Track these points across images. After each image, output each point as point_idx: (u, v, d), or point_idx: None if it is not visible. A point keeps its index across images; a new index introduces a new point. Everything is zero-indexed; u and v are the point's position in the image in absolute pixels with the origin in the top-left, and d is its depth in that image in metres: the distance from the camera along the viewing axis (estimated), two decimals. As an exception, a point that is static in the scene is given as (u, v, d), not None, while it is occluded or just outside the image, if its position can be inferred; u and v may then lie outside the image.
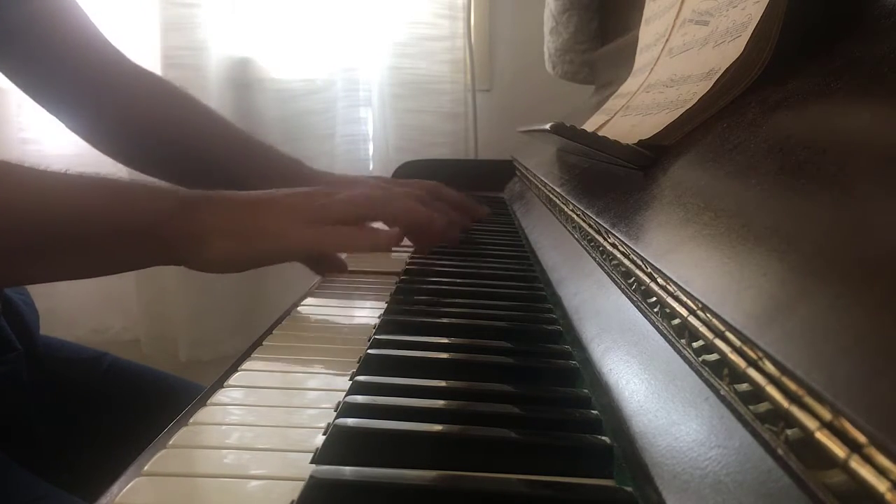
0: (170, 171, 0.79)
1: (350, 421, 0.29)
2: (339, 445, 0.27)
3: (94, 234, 0.48)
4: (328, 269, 0.61)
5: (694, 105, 0.39)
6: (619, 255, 0.36)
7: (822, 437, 0.16)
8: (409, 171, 1.17)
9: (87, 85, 0.72)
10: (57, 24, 0.69)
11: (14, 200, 0.46)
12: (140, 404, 0.70)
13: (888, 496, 0.13)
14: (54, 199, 0.48)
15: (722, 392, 0.22)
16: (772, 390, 0.18)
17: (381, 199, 0.57)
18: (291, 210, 0.52)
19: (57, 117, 0.75)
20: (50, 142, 1.37)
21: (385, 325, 0.43)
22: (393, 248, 0.56)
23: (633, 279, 0.33)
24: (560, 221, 0.57)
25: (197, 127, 0.77)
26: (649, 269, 0.31)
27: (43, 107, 0.74)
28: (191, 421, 0.30)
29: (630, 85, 0.61)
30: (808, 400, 0.16)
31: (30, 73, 0.70)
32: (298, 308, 0.49)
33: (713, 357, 0.23)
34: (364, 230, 0.55)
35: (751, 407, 0.20)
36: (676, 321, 0.26)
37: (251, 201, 0.53)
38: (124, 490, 0.25)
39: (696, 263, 0.27)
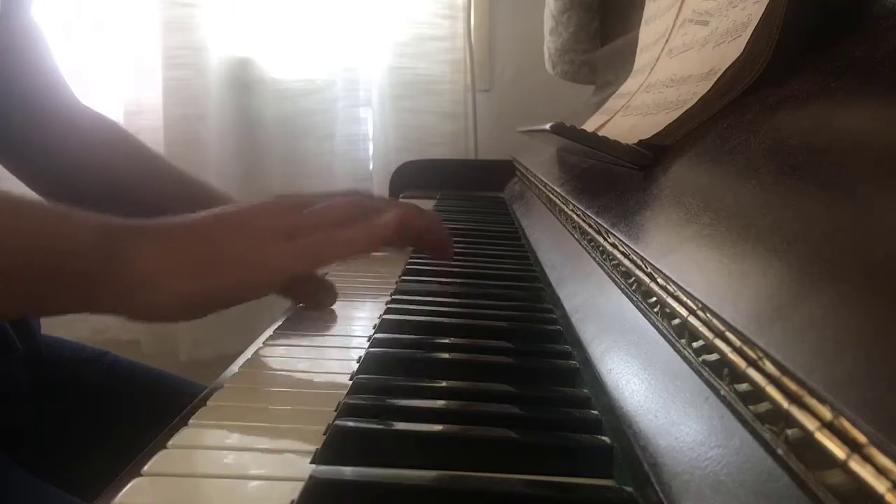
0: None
1: (350, 421, 0.29)
2: (339, 445, 0.27)
3: (12, 263, 0.38)
4: (316, 300, 0.48)
5: (694, 105, 0.39)
6: (619, 255, 0.36)
7: (822, 437, 0.16)
8: (409, 170, 1.17)
9: (27, 122, 0.67)
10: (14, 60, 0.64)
11: None
12: (140, 404, 0.70)
13: (888, 496, 0.13)
14: None
15: (722, 392, 0.22)
16: (772, 390, 0.18)
17: (366, 206, 0.48)
18: (256, 229, 0.42)
19: None
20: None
21: (385, 324, 0.43)
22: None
23: (633, 279, 0.33)
24: (560, 221, 0.57)
25: (143, 178, 0.71)
26: (649, 269, 0.31)
27: None
28: (191, 421, 0.30)
29: (630, 85, 0.61)
30: (808, 400, 0.16)
31: None
32: (300, 305, 0.49)
33: (713, 357, 0.23)
34: (358, 227, 0.45)
35: (751, 407, 0.20)
36: (676, 321, 0.26)
37: (203, 227, 0.42)
38: (124, 490, 0.25)
39: (696, 263, 0.27)
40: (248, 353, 0.40)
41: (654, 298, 0.29)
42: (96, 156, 0.70)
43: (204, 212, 0.43)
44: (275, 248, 0.42)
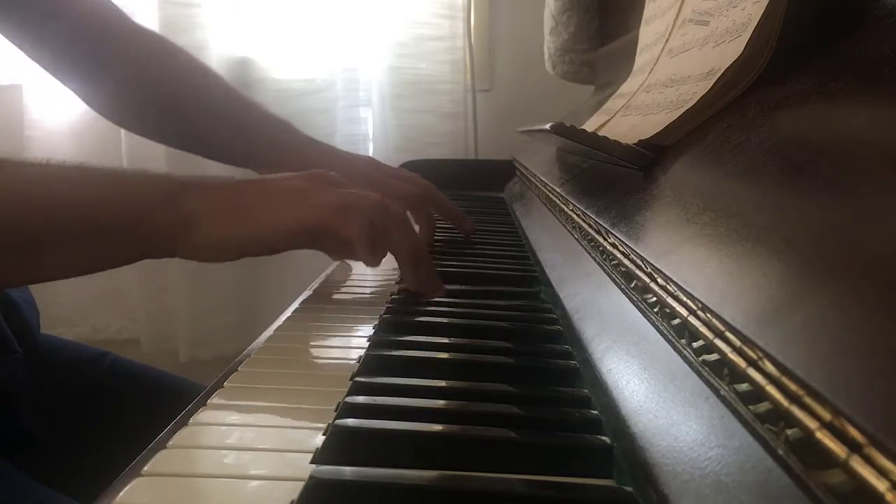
0: (164, 131, 0.78)
1: (350, 421, 0.29)
2: (339, 445, 0.27)
3: (84, 225, 0.46)
4: (340, 253, 0.54)
5: (694, 105, 0.39)
6: (619, 255, 0.36)
7: (822, 437, 0.16)
8: (409, 170, 1.17)
9: (84, 41, 0.70)
10: None
11: (4, 196, 0.43)
12: (140, 404, 0.70)
13: (888, 496, 0.13)
14: (35, 191, 0.45)
15: (722, 392, 0.22)
16: (772, 390, 0.18)
17: (388, 224, 0.49)
18: (286, 191, 0.48)
19: (56, 77, 0.74)
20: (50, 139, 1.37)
21: (385, 325, 0.43)
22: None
23: (633, 279, 0.33)
24: (560, 221, 0.57)
25: (193, 85, 0.75)
26: (649, 269, 0.31)
27: (42, 66, 0.72)
28: (191, 421, 0.30)
29: (630, 85, 0.61)
30: (808, 400, 0.16)
31: (25, 28, 0.69)
32: (300, 306, 0.49)
33: (713, 357, 0.23)
34: (366, 237, 0.47)
35: (751, 407, 0.20)
36: (676, 321, 0.26)
37: (242, 184, 0.50)
38: (124, 490, 0.25)
39: (696, 263, 0.27)
40: (249, 353, 0.40)
41: (654, 298, 0.29)
42: (153, 65, 0.74)
43: (252, 178, 0.51)
44: (289, 210, 0.47)
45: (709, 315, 0.23)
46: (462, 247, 0.69)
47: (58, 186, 0.46)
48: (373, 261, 0.48)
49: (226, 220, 0.47)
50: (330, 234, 0.48)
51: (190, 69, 0.77)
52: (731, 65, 0.37)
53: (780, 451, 0.18)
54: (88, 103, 0.77)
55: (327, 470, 0.26)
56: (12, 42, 0.70)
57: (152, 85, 0.74)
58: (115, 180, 0.49)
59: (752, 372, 0.19)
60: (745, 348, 0.20)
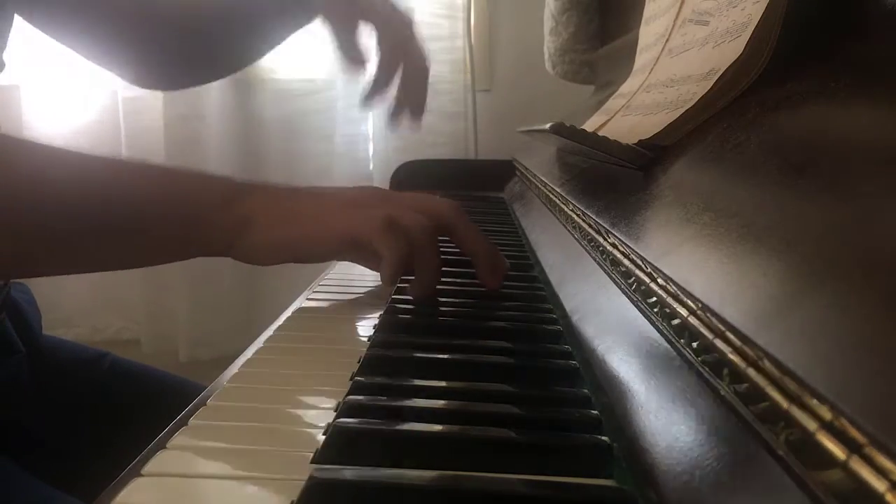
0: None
1: (350, 421, 0.29)
2: (339, 445, 0.27)
3: (143, 221, 0.47)
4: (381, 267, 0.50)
5: (694, 105, 0.39)
6: (618, 255, 0.36)
7: (822, 437, 0.16)
8: (409, 170, 1.17)
9: (126, 22, 0.71)
10: None
11: (66, 187, 0.44)
12: (140, 404, 0.70)
13: (888, 496, 0.13)
14: (95, 183, 0.46)
15: (722, 392, 0.22)
16: (772, 390, 0.18)
17: (423, 249, 0.48)
18: (340, 200, 0.49)
19: (102, 64, 0.74)
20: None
21: (385, 324, 0.43)
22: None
23: (632, 279, 0.33)
24: (560, 221, 0.57)
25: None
26: (649, 269, 0.31)
27: (86, 55, 0.73)
28: (191, 421, 0.30)
29: (630, 85, 0.61)
30: (808, 400, 0.16)
31: (66, 22, 0.69)
32: (300, 306, 0.49)
33: (713, 357, 0.23)
34: (396, 253, 0.47)
35: (751, 407, 0.20)
36: (676, 321, 0.26)
37: (298, 190, 0.51)
38: (124, 490, 0.25)
39: (696, 264, 0.27)
40: (249, 353, 0.40)
41: (654, 298, 0.29)
42: None
43: (310, 187, 0.52)
44: (341, 215, 0.48)
45: (709, 315, 0.23)
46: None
47: (117, 180, 0.47)
48: (389, 282, 0.48)
49: (279, 223, 0.48)
50: (371, 248, 0.47)
51: None
52: (731, 65, 0.37)
53: (780, 451, 0.18)
54: (138, 82, 0.78)
55: (327, 470, 0.26)
56: (54, 37, 0.70)
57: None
58: (176, 178, 0.50)
59: (752, 372, 0.19)
60: (745, 348, 0.20)
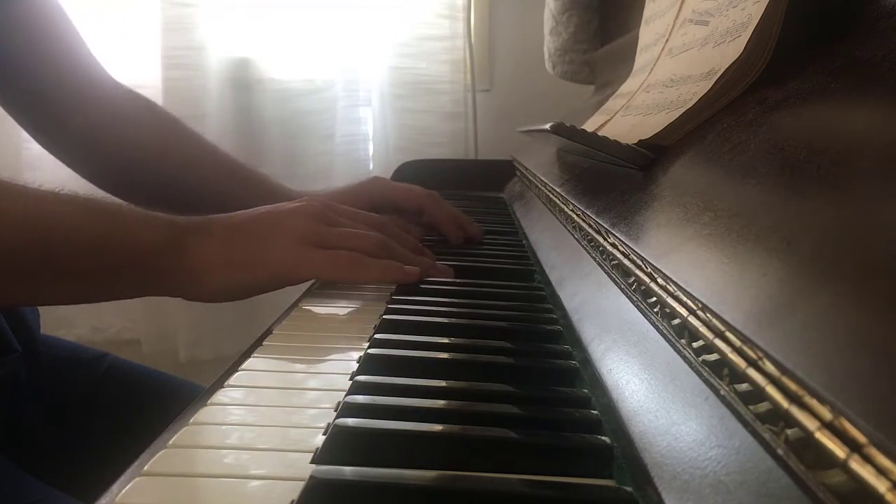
0: (154, 198, 0.78)
1: (350, 421, 0.29)
2: (339, 445, 0.27)
3: (82, 260, 0.46)
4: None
5: (694, 105, 0.39)
6: (618, 255, 0.36)
7: (822, 437, 0.16)
8: (409, 170, 1.17)
9: (70, 109, 0.70)
10: (40, 40, 0.68)
11: (9, 219, 0.44)
12: (140, 404, 0.70)
13: (888, 496, 0.13)
14: (43, 220, 0.45)
15: (722, 392, 0.22)
16: (772, 390, 0.18)
17: (392, 245, 0.54)
18: (293, 233, 0.49)
19: (43, 146, 0.74)
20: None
21: (385, 324, 0.43)
22: None
23: (633, 279, 0.33)
24: (560, 221, 0.57)
25: (183, 153, 0.75)
26: (649, 269, 0.31)
27: (31, 136, 0.73)
28: (191, 421, 0.30)
29: (630, 85, 0.61)
30: (808, 400, 0.16)
31: (11, 95, 0.69)
32: (300, 306, 0.49)
33: (713, 357, 0.23)
34: (381, 263, 0.51)
35: (751, 407, 0.20)
36: (676, 321, 0.26)
37: (249, 227, 0.50)
38: (124, 490, 0.25)
39: (696, 263, 0.27)
40: (249, 353, 0.40)
41: (654, 298, 0.29)
42: (134, 132, 0.74)
43: (248, 212, 0.52)
44: (306, 254, 0.49)
45: (709, 315, 0.23)
46: (462, 246, 0.69)
47: (60, 217, 0.46)
48: (416, 277, 0.52)
49: (237, 266, 0.48)
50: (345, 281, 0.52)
51: (182, 136, 0.77)
52: (731, 65, 0.37)
53: (780, 451, 0.18)
54: (77, 171, 0.77)
55: (327, 470, 0.26)
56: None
57: (143, 153, 0.74)
58: (120, 218, 0.49)
59: (752, 372, 0.19)
60: (745, 348, 0.20)
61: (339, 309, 0.50)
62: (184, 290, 0.49)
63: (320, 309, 0.50)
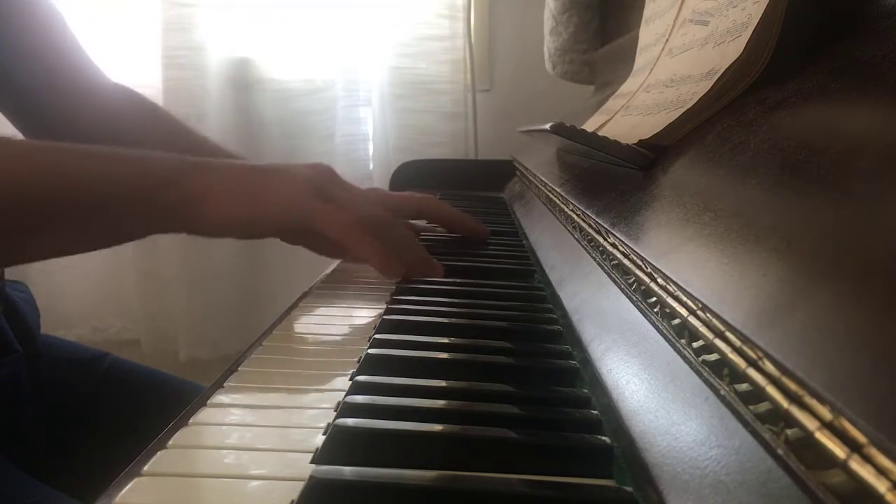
0: None
1: (350, 421, 0.29)
2: (339, 445, 0.27)
3: (95, 200, 0.46)
4: (331, 253, 0.58)
5: (694, 105, 0.39)
6: (618, 255, 0.36)
7: (822, 437, 0.16)
8: (409, 170, 1.17)
9: (64, 108, 0.70)
10: (35, 42, 0.67)
11: (6, 171, 0.44)
12: (140, 404, 0.70)
13: (888, 496, 0.13)
14: (40, 164, 0.45)
15: (722, 392, 0.22)
16: (772, 390, 0.18)
17: (386, 231, 0.53)
18: (301, 180, 0.50)
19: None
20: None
21: (385, 324, 0.43)
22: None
23: (633, 279, 0.33)
24: (560, 221, 0.57)
25: (177, 147, 0.76)
26: (649, 269, 0.31)
27: (24, 134, 0.73)
28: (191, 421, 0.30)
29: (630, 85, 0.61)
30: (808, 400, 0.16)
31: (3, 93, 0.69)
32: (300, 306, 0.49)
33: (713, 357, 0.23)
34: (373, 248, 0.51)
35: (751, 407, 0.20)
36: (676, 321, 0.26)
37: (259, 167, 0.51)
38: (124, 490, 0.25)
39: (696, 263, 0.27)
40: (249, 353, 0.40)
41: (654, 298, 0.29)
42: (131, 132, 0.74)
43: (264, 163, 0.52)
44: (312, 201, 0.49)
45: (709, 315, 0.23)
46: (462, 247, 0.69)
47: (60, 162, 0.46)
48: (391, 274, 0.52)
49: (242, 198, 0.48)
50: (331, 242, 0.51)
51: (172, 128, 0.78)
52: (731, 65, 0.37)
53: (780, 451, 0.18)
54: None
55: (327, 470, 0.26)
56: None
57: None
58: (121, 157, 0.49)
59: (752, 372, 0.19)
60: (745, 348, 0.20)
61: (340, 308, 0.50)
62: (186, 221, 0.48)
63: (320, 309, 0.50)
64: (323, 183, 0.50)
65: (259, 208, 0.49)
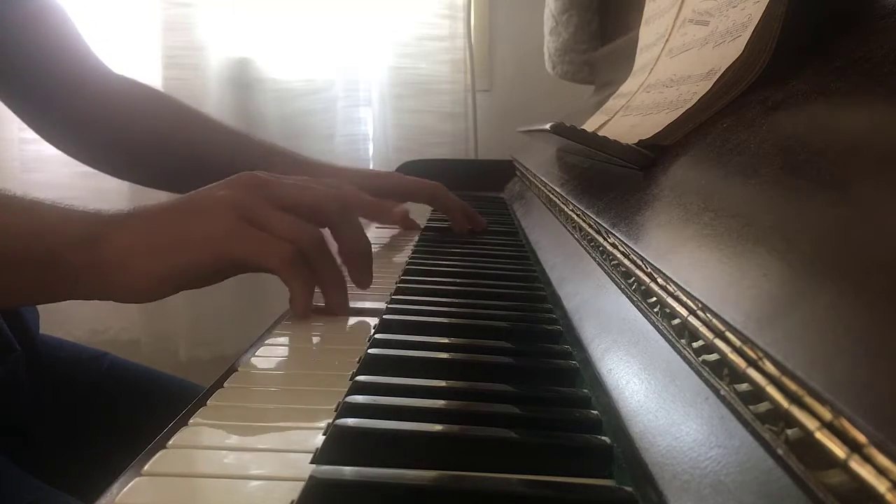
0: (160, 177, 0.79)
1: (350, 421, 0.29)
2: (339, 445, 0.27)
3: None
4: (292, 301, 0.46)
5: (694, 105, 0.39)
6: (619, 255, 0.36)
7: (822, 437, 0.16)
8: (409, 171, 1.17)
9: (64, 95, 0.71)
10: (38, 34, 0.68)
11: None
12: (140, 404, 0.70)
13: (888, 496, 0.13)
14: None
15: (722, 392, 0.22)
16: (772, 390, 0.18)
17: (333, 210, 0.48)
18: (223, 208, 0.43)
19: (41, 135, 0.75)
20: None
21: (385, 324, 0.43)
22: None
23: (633, 279, 0.33)
24: (560, 221, 0.57)
25: (185, 130, 0.77)
26: (649, 269, 0.31)
27: (30, 126, 0.74)
28: (191, 421, 0.30)
29: (630, 85, 0.61)
30: (808, 400, 0.16)
31: (9, 85, 0.69)
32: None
33: (713, 357, 0.23)
34: (306, 284, 0.45)
35: (751, 407, 0.20)
36: (676, 321, 0.26)
37: (177, 206, 0.45)
38: (124, 490, 0.25)
39: (696, 263, 0.27)
40: (249, 353, 0.40)
41: (654, 298, 0.29)
42: (140, 120, 0.75)
43: (181, 196, 0.46)
44: (239, 229, 0.43)
45: (709, 315, 0.23)
46: (462, 247, 0.69)
47: None
48: (304, 315, 0.45)
49: (158, 250, 0.43)
50: (256, 268, 0.44)
51: (182, 114, 0.79)
52: (731, 65, 0.37)
53: (780, 451, 0.18)
54: (78, 158, 0.78)
55: (327, 470, 0.26)
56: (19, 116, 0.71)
57: (144, 135, 0.76)
58: (35, 213, 0.44)
59: (752, 372, 0.19)
60: (745, 348, 0.20)
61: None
62: (108, 287, 0.43)
63: (320, 309, 0.50)
64: (248, 203, 0.44)
65: (181, 256, 0.42)
